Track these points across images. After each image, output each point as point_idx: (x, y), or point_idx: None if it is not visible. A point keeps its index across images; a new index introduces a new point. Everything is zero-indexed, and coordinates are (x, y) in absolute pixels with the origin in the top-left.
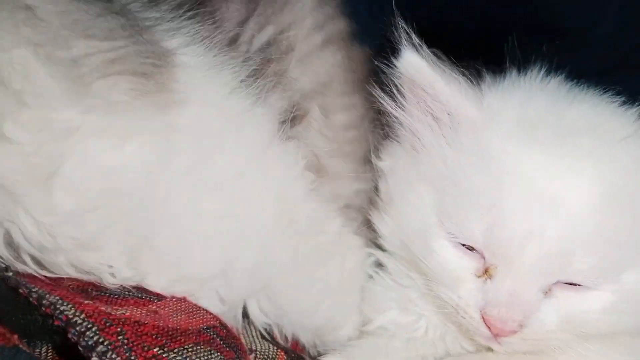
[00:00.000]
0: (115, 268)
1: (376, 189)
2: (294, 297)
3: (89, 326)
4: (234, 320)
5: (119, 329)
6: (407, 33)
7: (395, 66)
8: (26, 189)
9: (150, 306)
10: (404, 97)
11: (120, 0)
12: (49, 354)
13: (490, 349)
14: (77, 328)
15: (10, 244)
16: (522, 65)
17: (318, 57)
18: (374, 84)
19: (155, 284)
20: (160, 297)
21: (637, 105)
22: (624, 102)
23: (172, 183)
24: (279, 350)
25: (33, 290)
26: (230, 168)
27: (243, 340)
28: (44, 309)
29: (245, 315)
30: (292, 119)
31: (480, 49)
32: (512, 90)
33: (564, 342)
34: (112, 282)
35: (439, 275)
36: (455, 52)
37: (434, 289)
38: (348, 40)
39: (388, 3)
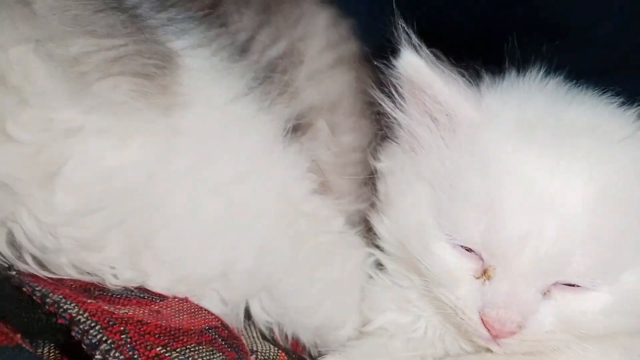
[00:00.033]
0: (117, 269)
1: (375, 189)
2: (295, 296)
3: (93, 325)
4: (236, 320)
5: (122, 328)
6: (407, 33)
7: (394, 66)
8: (28, 189)
9: (152, 306)
10: (402, 97)
11: (127, 1)
12: (51, 354)
13: (489, 350)
14: (81, 326)
15: (13, 243)
16: (522, 65)
17: (329, 76)
18: (373, 85)
19: (157, 285)
20: (162, 297)
21: (636, 106)
22: (623, 103)
23: (173, 184)
24: (280, 351)
25: (36, 289)
26: (232, 170)
27: (244, 341)
28: (47, 307)
29: (247, 315)
30: (298, 127)
31: (480, 49)
32: (511, 91)
33: (563, 342)
34: (115, 283)
35: (438, 277)
36: (456, 52)
37: (433, 290)
38: (360, 61)
39: (388, 3)
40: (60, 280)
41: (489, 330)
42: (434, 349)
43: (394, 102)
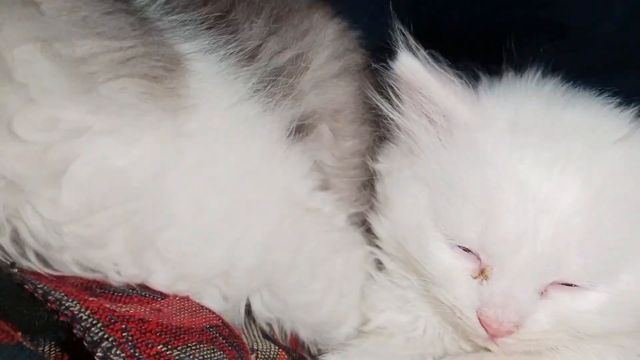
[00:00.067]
0: (120, 266)
1: (373, 190)
2: (297, 293)
3: (94, 322)
4: (236, 316)
5: (123, 326)
6: (404, 35)
7: (391, 68)
8: (34, 187)
9: (154, 304)
10: (400, 99)
11: (136, 3)
12: (53, 352)
13: (488, 349)
14: (83, 324)
15: (17, 240)
16: (523, 65)
17: (333, 85)
18: (370, 86)
19: (159, 282)
20: (163, 295)
21: (633, 106)
22: (620, 103)
23: (178, 184)
24: (280, 350)
25: (38, 286)
26: (236, 169)
27: (245, 340)
28: (49, 304)
29: (248, 312)
30: (302, 128)
31: (481, 49)
32: (508, 92)
33: (560, 342)
34: (118, 279)
35: (436, 277)
36: (457, 52)
37: (431, 290)
38: (364, 72)
39: (387, 3)
40: (62, 278)
41: (486, 329)
42: (434, 348)
43: (391, 104)
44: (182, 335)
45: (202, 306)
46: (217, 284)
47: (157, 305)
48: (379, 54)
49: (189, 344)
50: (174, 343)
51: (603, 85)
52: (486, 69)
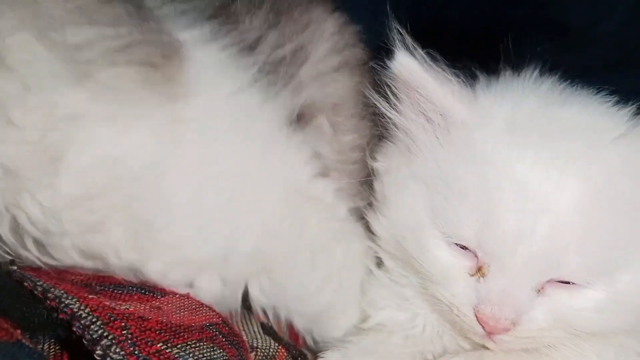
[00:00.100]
0: (120, 251)
1: (372, 189)
2: (295, 280)
3: (94, 320)
4: (234, 303)
5: (123, 324)
6: (401, 34)
7: (389, 68)
8: (32, 174)
9: (153, 302)
10: (398, 98)
11: None
12: (52, 349)
13: (486, 348)
14: (82, 321)
15: (16, 230)
16: (522, 64)
17: (333, 80)
18: (368, 85)
19: (157, 267)
20: (163, 293)
21: (631, 105)
22: (618, 102)
23: (176, 170)
24: (280, 347)
25: (38, 283)
26: (236, 157)
27: (245, 338)
28: (49, 302)
29: (248, 307)
30: (302, 117)
31: (482, 48)
32: (505, 91)
33: (558, 339)
34: (117, 264)
35: (433, 274)
36: (457, 51)
37: (429, 288)
38: (364, 67)
39: (386, 3)
40: (62, 275)
41: (483, 327)
42: (433, 346)
43: (389, 103)
44: (182, 333)
45: (202, 304)
46: (216, 269)
47: (157, 303)
48: (377, 53)
49: (189, 342)
50: (173, 341)
51: (602, 84)
52: (487, 69)
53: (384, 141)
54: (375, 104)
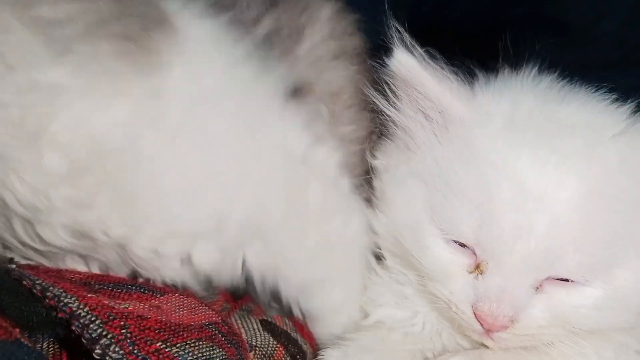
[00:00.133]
0: (107, 227)
1: (371, 186)
2: (289, 246)
3: (93, 319)
4: (235, 276)
5: (122, 323)
6: (399, 32)
7: (387, 65)
8: (16, 153)
9: (153, 301)
10: (397, 96)
11: None
12: (51, 348)
13: (486, 346)
14: (81, 320)
15: (4, 212)
16: (521, 62)
17: (331, 67)
18: (367, 83)
19: (146, 243)
20: (162, 292)
21: (630, 102)
22: (616, 100)
23: (160, 143)
24: (278, 345)
25: (37, 282)
26: (226, 126)
27: (244, 336)
28: (47, 300)
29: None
30: (298, 91)
31: (483, 46)
32: (504, 88)
33: (556, 337)
34: (105, 241)
35: (432, 271)
36: (458, 50)
37: (427, 285)
38: (362, 57)
39: (385, 1)
40: (61, 274)
41: (481, 324)
42: (432, 344)
43: (388, 101)
44: (181, 333)
45: (201, 303)
46: (210, 238)
47: (156, 302)
48: (376, 51)
49: (188, 341)
50: (172, 340)
51: (602, 83)
52: (486, 67)
53: (383, 139)
54: (374, 102)
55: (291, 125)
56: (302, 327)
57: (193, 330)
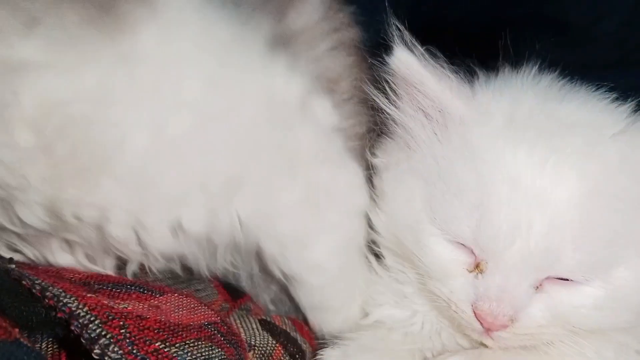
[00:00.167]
0: (83, 201)
1: (371, 184)
2: (271, 196)
3: (92, 319)
4: (232, 231)
5: (121, 323)
6: (400, 30)
7: (387, 63)
8: None
9: (152, 301)
10: (397, 94)
11: None
12: (50, 348)
13: (485, 345)
14: (80, 320)
15: None
16: (521, 61)
17: (328, 56)
18: (367, 81)
19: (126, 217)
20: (162, 292)
21: (630, 102)
22: (617, 99)
23: (133, 107)
24: (277, 345)
25: (36, 282)
26: (204, 81)
27: (243, 335)
28: (47, 300)
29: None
30: (289, 40)
31: (483, 46)
32: (504, 87)
33: (556, 336)
34: (74, 224)
35: (432, 270)
36: (458, 49)
37: (427, 284)
38: (359, 48)
39: (385, 0)
40: (60, 273)
41: (481, 323)
42: (432, 343)
43: (388, 99)
44: (180, 332)
45: (201, 303)
46: (195, 199)
47: (156, 302)
48: (377, 49)
49: (187, 341)
50: (172, 340)
51: (602, 82)
52: (487, 66)
53: (383, 137)
54: (374, 99)
55: (280, 71)
56: (301, 326)
57: (192, 330)
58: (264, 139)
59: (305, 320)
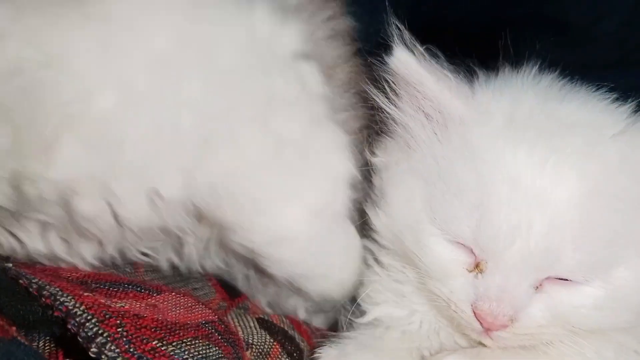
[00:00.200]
0: (43, 175)
1: (371, 184)
2: (239, 152)
3: (89, 318)
4: (209, 198)
5: (118, 321)
6: (399, 30)
7: (387, 63)
8: None
9: (149, 300)
10: (396, 94)
11: None
12: (47, 347)
13: (483, 344)
14: (77, 319)
15: None
16: (521, 61)
17: (326, 45)
18: (367, 80)
19: (91, 189)
20: (159, 291)
21: (630, 102)
22: (617, 99)
23: (97, 68)
24: (275, 343)
25: (33, 281)
26: (174, 32)
27: (241, 334)
28: (44, 299)
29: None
30: None
31: (483, 46)
32: (504, 87)
33: (556, 336)
34: (34, 194)
35: (431, 270)
36: (458, 49)
37: (427, 283)
38: (355, 40)
39: (385, 0)
40: (57, 272)
41: (481, 323)
42: (430, 342)
43: (388, 98)
44: (177, 331)
45: (198, 301)
46: (170, 161)
47: (153, 301)
48: (377, 49)
49: (184, 340)
50: (169, 339)
51: (602, 82)
52: (487, 67)
53: (382, 136)
54: (374, 99)
55: (261, 16)
56: (299, 324)
57: (189, 329)
58: (238, 87)
59: (304, 320)
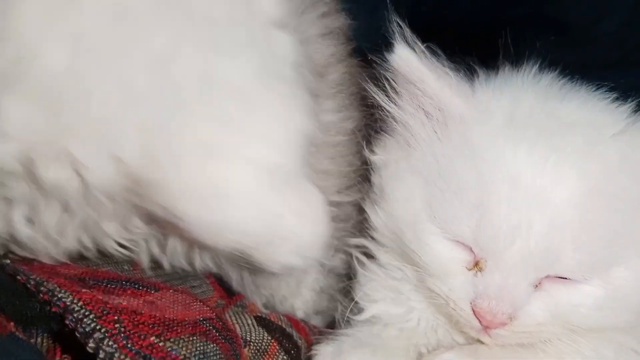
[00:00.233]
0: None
1: (369, 182)
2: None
3: (87, 313)
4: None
5: (116, 317)
6: (400, 27)
7: (387, 60)
8: None
9: (147, 297)
10: (397, 92)
11: None
12: (45, 343)
13: (481, 342)
14: (75, 315)
15: None
16: (521, 60)
17: (316, 42)
18: (367, 78)
19: (49, 153)
20: (157, 288)
21: (631, 102)
22: (617, 99)
23: (45, 22)
24: (272, 340)
25: (31, 277)
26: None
27: (239, 331)
28: (41, 295)
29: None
30: None
31: (484, 46)
32: (504, 86)
33: (554, 335)
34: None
35: (430, 268)
36: (459, 48)
37: (426, 281)
38: (348, 38)
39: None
40: (55, 269)
41: (480, 320)
42: (427, 339)
43: (388, 96)
44: (175, 327)
45: (196, 299)
46: (128, 120)
47: (151, 298)
48: (377, 47)
49: (182, 336)
50: (166, 335)
51: (602, 82)
52: (487, 66)
53: (382, 134)
54: (374, 97)
55: None
56: (297, 322)
57: (187, 326)
58: (197, 34)
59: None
